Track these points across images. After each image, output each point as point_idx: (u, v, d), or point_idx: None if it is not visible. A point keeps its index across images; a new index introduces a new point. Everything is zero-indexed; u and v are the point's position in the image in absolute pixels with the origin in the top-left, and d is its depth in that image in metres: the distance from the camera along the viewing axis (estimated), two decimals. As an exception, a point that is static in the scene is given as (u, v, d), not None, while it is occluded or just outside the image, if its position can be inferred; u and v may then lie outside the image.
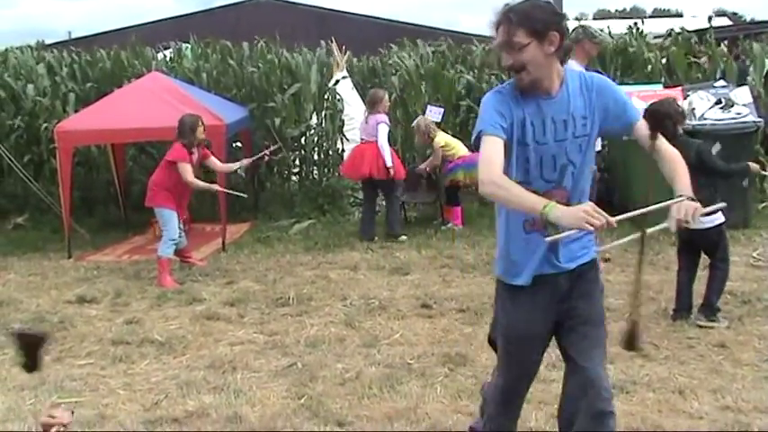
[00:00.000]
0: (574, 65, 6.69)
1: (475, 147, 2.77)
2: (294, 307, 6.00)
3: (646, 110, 5.10)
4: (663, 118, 4.71)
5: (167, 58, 11.74)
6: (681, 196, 2.60)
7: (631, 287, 5.72)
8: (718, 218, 5.01)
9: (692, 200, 2.57)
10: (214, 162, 7.44)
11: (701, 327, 5.03)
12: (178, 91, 8.54)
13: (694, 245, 5.22)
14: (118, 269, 7.49)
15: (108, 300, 6.38)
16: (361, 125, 8.68)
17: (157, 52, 12.48)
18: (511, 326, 2.96)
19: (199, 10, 28.35)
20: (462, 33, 22.39)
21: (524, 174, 2.75)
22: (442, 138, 8.84)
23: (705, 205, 2.64)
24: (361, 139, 8.59)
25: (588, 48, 6.89)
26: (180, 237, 7.08)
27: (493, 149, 2.66)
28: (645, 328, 5.12)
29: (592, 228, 2.45)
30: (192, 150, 7.03)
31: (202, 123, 7.09)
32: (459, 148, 8.77)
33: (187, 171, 6.88)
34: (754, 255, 6.89)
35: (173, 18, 26.60)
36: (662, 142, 2.77)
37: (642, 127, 2.80)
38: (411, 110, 10.29)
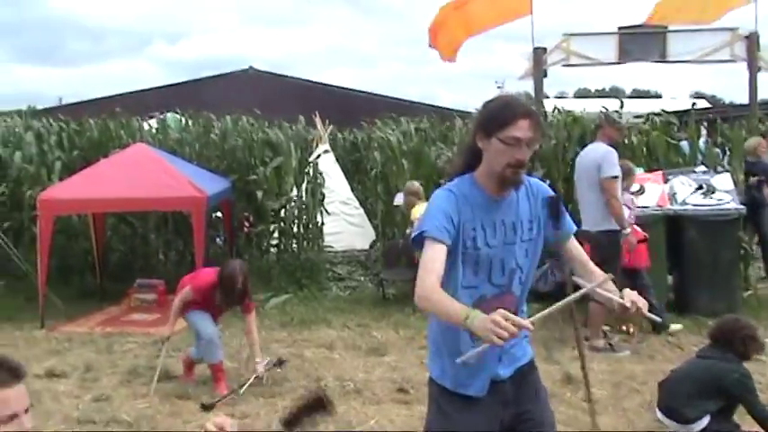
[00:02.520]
0: (602, 149, 6.73)
1: (413, 243, 2.67)
2: (267, 387, 5.87)
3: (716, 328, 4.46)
4: (733, 339, 4.29)
5: (153, 129, 11.80)
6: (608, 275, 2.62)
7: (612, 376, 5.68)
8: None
9: (614, 281, 2.62)
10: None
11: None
12: (162, 162, 8.55)
13: None
14: (90, 341, 7.34)
15: (77, 374, 6.22)
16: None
17: (143, 121, 12.56)
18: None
19: (187, 80, 28.67)
20: (443, 108, 22.80)
21: (472, 277, 2.68)
22: (420, 208, 8.84)
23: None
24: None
25: (610, 133, 6.97)
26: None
27: (432, 257, 2.57)
28: (628, 422, 5.07)
29: (501, 342, 2.30)
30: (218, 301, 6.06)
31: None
32: None
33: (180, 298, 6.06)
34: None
35: (160, 87, 26.87)
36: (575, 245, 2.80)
37: (573, 245, 2.81)
38: (392, 185, 10.33)
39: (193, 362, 6.18)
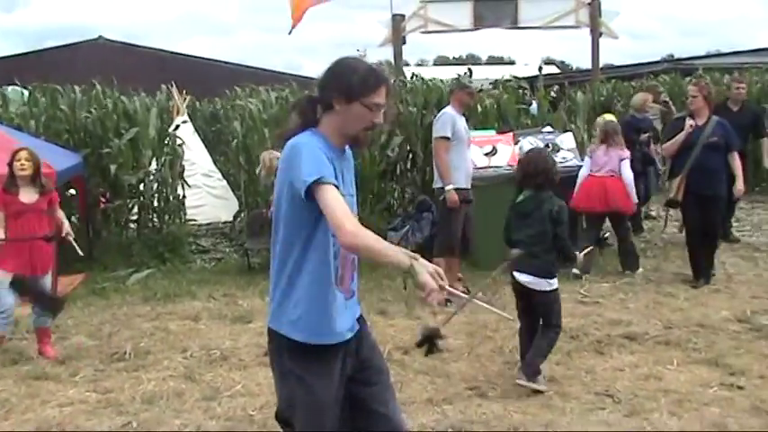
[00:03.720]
0: (452, 111, 7.20)
1: (306, 194, 2.59)
2: (131, 362, 5.76)
3: (519, 161, 5.37)
4: (535, 174, 4.93)
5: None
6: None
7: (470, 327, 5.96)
8: (555, 282, 5.01)
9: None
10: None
11: (521, 386, 4.84)
12: (3, 137, 8.06)
13: (532, 306, 5.03)
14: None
15: None
16: (593, 156, 8.07)
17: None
18: (309, 393, 2.76)
19: (28, 50, 26.97)
20: (306, 78, 22.69)
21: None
22: None
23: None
24: (591, 172, 8.03)
25: (460, 97, 7.34)
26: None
27: (341, 201, 2.59)
28: (481, 366, 5.37)
29: (435, 295, 2.48)
30: (12, 191, 5.90)
31: (25, 157, 5.91)
32: None
33: None
34: (581, 291, 7.36)
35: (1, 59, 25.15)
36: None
37: None
38: (254, 155, 10.26)
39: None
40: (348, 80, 2.72)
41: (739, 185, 7.43)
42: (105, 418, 4.68)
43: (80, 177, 9.35)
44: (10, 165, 5.95)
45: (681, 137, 7.35)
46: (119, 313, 7.22)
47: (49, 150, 8.65)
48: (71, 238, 6.18)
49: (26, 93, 11.29)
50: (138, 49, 26.46)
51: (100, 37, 26.25)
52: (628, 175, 7.92)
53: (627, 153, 8.01)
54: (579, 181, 8.06)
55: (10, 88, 11.52)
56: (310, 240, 2.71)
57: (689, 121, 7.32)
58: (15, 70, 15.42)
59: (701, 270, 7.47)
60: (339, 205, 2.57)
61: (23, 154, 5.98)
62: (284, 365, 2.82)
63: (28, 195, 5.95)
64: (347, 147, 2.87)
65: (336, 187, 2.62)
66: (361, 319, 2.97)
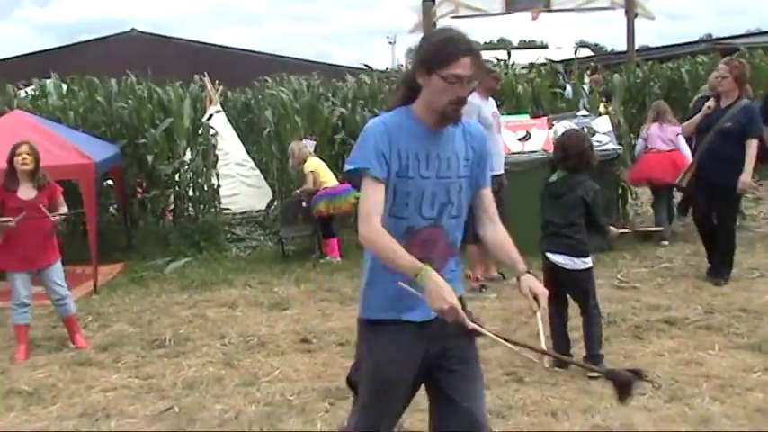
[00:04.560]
0: (476, 99, 6.97)
1: (347, 178, 2.67)
2: (171, 348, 5.86)
3: (555, 141, 5.29)
4: (570, 155, 4.87)
5: (30, 96, 11.27)
6: (527, 271, 2.74)
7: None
8: (589, 261, 4.95)
9: (529, 272, 2.76)
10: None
11: (592, 378, 4.66)
12: (42, 129, 8.21)
13: (562, 288, 4.96)
14: (-21, 317, 7.06)
15: (-31, 351, 6.01)
16: (651, 133, 8.51)
17: (19, 90, 11.98)
18: (377, 366, 2.79)
19: (64, 45, 27.31)
20: (336, 66, 22.75)
21: (403, 208, 2.67)
22: (312, 163, 8.95)
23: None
24: (651, 148, 8.47)
25: (486, 83, 7.16)
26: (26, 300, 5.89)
27: (373, 197, 2.61)
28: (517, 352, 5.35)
29: (437, 311, 2.50)
30: (11, 186, 5.85)
31: (26, 151, 5.82)
32: (328, 178, 8.88)
33: None
34: (618, 276, 7.29)
35: (35, 53, 25.51)
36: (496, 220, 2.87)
37: (486, 195, 2.85)
38: (287, 144, 10.31)
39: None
40: (425, 52, 2.63)
41: (743, 177, 6.59)
42: (148, 403, 4.76)
43: (118, 168, 9.49)
44: (10, 160, 5.82)
45: (697, 118, 7.04)
46: (158, 301, 7.34)
47: (87, 142, 8.82)
48: (57, 218, 5.98)
49: (64, 86, 11.45)
50: (171, 41, 26.68)
51: (132, 29, 26.54)
52: (684, 147, 8.18)
53: (680, 128, 8.08)
54: (638, 157, 8.66)
55: (49, 81, 11.69)
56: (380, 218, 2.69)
57: (708, 103, 6.95)
58: (51, 64, 15.65)
59: (717, 267, 6.95)
60: (367, 201, 2.61)
61: (25, 148, 5.84)
62: (361, 332, 2.89)
63: (26, 192, 5.86)
64: (447, 126, 2.70)
65: (377, 178, 2.61)
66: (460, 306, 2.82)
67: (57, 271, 6.01)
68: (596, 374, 4.62)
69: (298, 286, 7.64)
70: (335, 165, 9.70)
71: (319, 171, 8.93)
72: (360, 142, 2.68)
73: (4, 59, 24.00)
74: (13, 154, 5.82)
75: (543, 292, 2.72)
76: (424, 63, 2.61)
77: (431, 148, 2.68)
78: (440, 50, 2.59)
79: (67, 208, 6.28)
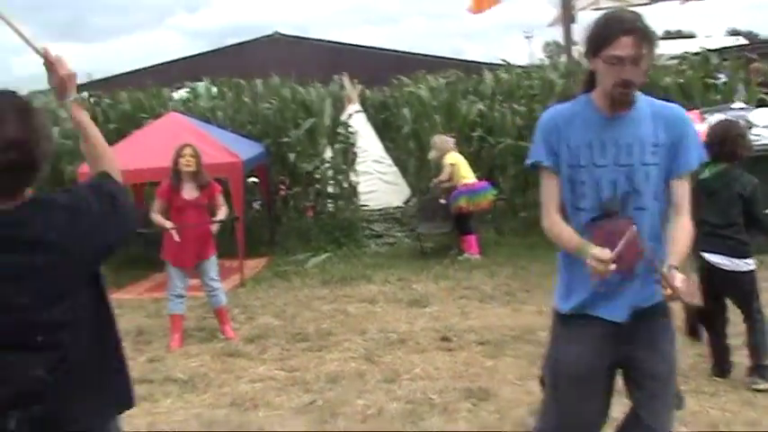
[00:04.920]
0: None
1: (528, 172, 2.74)
2: (314, 342, 6.03)
3: (708, 130, 4.84)
4: (720, 143, 4.60)
5: (183, 98, 11.92)
6: (673, 266, 2.41)
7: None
8: (752, 263, 4.62)
9: (675, 268, 2.41)
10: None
11: (758, 390, 4.46)
12: (196, 130, 8.66)
13: (720, 290, 4.68)
14: (139, 306, 7.56)
15: (131, 338, 6.42)
16: None
17: (172, 92, 12.70)
18: (559, 360, 2.73)
19: (210, 49, 28.67)
20: (471, 62, 22.57)
21: (581, 199, 2.58)
22: (452, 157, 8.94)
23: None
24: None
25: None
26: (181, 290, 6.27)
27: (548, 190, 2.65)
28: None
29: (596, 277, 2.44)
30: (176, 185, 6.25)
31: (190, 153, 6.22)
32: (465, 173, 8.84)
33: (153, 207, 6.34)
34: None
35: (185, 58, 26.92)
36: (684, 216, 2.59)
37: (678, 186, 2.59)
38: (425, 141, 10.36)
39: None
40: (588, 35, 2.55)
41: None
42: (293, 395, 4.91)
43: (263, 166, 9.87)
44: (175, 161, 6.22)
45: None
46: (300, 295, 7.57)
47: (235, 141, 9.21)
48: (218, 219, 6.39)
49: (213, 88, 12.03)
50: (310, 42, 27.38)
51: (275, 32, 27.41)
52: None
53: None
54: None
55: (200, 84, 12.32)
56: (564, 210, 2.68)
57: None
58: (200, 67, 16.49)
59: None
60: (543, 193, 2.67)
61: (189, 150, 6.24)
62: (552, 325, 2.82)
63: (190, 191, 6.25)
64: (626, 110, 2.56)
65: (549, 169, 2.62)
66: (656, 313, 2.62)
67: (212, 265, 6.33)
68: (763, 387, 4.36)
69: (436, 283, 7.66)
70: (473, 162, 9.64)
71: (459, 165, 8.92)
72: (533, 136, 2.71)
73: (157, 65, 25.52)
74: (178, 156, 6.21)
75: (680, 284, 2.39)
76: (589, 46, 2.55)
77: (607, 135, 2.56)
78: (599, 32, 2.51)
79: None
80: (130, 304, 7.67)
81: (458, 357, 5.44)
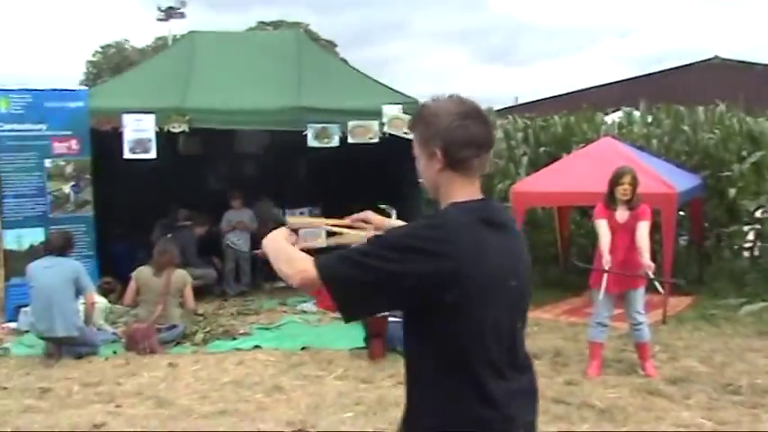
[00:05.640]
0: None
1: None
2: (746, 397, 5.45)
3: None
4: None
5: (616, 124, 11.79)
6: None
7: None
8: None
9: None
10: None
11: None
12: (629, 156, 8.45)
13: None
14: (556, 328, 7.64)
15: (548, 358, 6.52)
16: None
17: (605, 116, 12.63)
18: None
19: (645, 73, 28.02)
20: None
21: None
22: None
23: None
24: None
25: None
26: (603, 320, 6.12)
27: None
28: None
29: None
30: (612, 208, 6.13)
31: (629, 182, 6.07)
32: None
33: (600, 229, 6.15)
34: None
35: (619, 82, 26.76)
36: None
37: None
38: None
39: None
40: None
41: None
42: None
43: (697, 200, 9.28)
44: (613, 183, 6.09)
45: None
46: (731, 343, 6.94)
47: (669, 171, 8.80)
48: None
49: (647, 114, 11.67)
50: (755, 68, 25.20)
51: (715, 57, 25.83)
52: None
53: None
54: None
55: (636, 110, 12.08)
56: None
57: None
58: (631, 92, 16.17)
59: None
60: None
61: (628, 179, 6.04)
62: None
63: (622, 214, 6.08)
64: None
65: None
66: None
67: (640, 297, 6.12)
68: None
69: None
70: None
71: None
72: None
73: (589, 88, 25.79)
74: (616, 181, 6.10)
75: None
76: None
77: None
78: None
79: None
80: (547, 324, 7.81)
81: None
